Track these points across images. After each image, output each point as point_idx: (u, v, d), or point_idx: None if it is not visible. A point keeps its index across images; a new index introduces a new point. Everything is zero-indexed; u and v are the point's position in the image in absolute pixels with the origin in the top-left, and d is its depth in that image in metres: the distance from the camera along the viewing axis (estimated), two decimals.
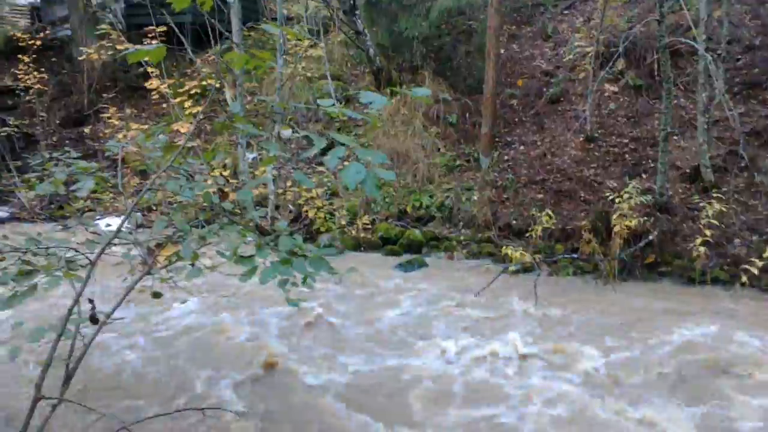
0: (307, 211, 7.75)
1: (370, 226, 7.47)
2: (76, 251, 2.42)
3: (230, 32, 9.30)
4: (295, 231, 7.23)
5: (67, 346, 2.37)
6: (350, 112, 1.87)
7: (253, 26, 11.23)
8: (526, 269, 6.09)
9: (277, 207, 7.93)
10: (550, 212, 6.55)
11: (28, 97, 10.57)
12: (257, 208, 7.05)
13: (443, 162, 8.42)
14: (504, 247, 6.23)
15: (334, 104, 1.95)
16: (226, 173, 8.43)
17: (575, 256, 6.14)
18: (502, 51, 9.27)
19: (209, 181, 3.29)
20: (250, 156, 9.20)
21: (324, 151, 1.91)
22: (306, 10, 12.07)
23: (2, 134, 9.81)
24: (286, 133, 9.84)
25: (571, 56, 9.11)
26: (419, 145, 8.62)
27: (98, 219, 8.42)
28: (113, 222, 8.18)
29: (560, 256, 6.23)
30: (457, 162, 8.43)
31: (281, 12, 8.64)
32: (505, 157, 8.16)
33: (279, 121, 8.41)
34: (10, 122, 10.08)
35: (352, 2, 9.25)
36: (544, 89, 8.91)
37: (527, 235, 6.66)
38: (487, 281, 5.46)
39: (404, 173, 8.19)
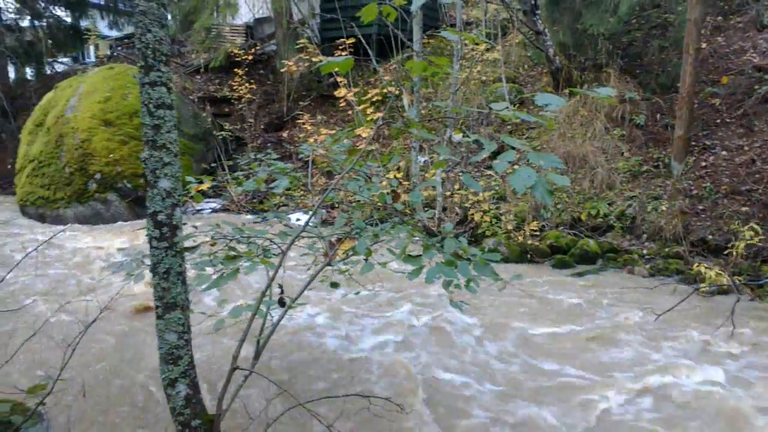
0: (473, 215, 7.77)
1: (538, 233, 7.22)
2: (272, 241, 2.77)
3: (411, 41, 9.74)
4: (460, 234, 7.31)
5: (259, 324, 2.74)
6: (523, 114, 1.85)
7: (433, 33, 11.58)
8: (721, 291, 5.36)
9: (444, 209, 8.08)
10: (756, 227, 5.67)
11: (240, 106, 12.27)
12: (425, 209, 7.28)
13: (627, 167, 7.78)
14: (696, 265, 5.55)
15: (507, 107, 1.95)
16: (399, 176, 8.87)
17: None
18: (703, 45, 8.25)
19: (384, 183, 3.52)
20: (421, 159, 9.52)
21: (495, 155, 1.94)
22: (485, 14, 12.09)
23: (219, 137, 11.53)
24: (457, 137, 10.01)
25: None
26: (599, 148, 8.08)
27: (290, 213, 9.44)
28: (302, 217, 9.13)
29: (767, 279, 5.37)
30: (644, 167, 7.72)
31: (460, 17, 8.78)
32: (703, 163, 7.25)
33: (451, 125, 8.58)
34: (226, 127, 11.81)
35: (533, 2, 9.03)
36: (756, 87, 7.72)
37: (726, 252, 5.85)
38: (672, 302, 4.92)
39: (580, 178, 7.75)
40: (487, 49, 10.55)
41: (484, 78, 10.53)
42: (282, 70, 11.71)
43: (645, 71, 8.61)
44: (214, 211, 9.94)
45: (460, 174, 8.65)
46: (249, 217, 9.66)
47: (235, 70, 12.40)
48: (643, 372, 3.76)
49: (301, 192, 10.01)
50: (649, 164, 7.74)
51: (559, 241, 6.95)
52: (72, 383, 3.15)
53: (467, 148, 9.67)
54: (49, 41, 14.40)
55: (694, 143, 7.50)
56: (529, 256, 6.95)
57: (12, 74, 15.21)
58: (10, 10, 14.38)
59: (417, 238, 3.04)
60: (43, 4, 14.94)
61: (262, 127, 12.42)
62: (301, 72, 11.70)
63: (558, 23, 9.49)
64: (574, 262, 6.65)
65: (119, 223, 8.97)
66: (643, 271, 6.28)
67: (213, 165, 10.92)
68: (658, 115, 8.24)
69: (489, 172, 8.84)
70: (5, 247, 7.31)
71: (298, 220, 8.69)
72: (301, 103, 12.28)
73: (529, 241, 7.07)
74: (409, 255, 2.09)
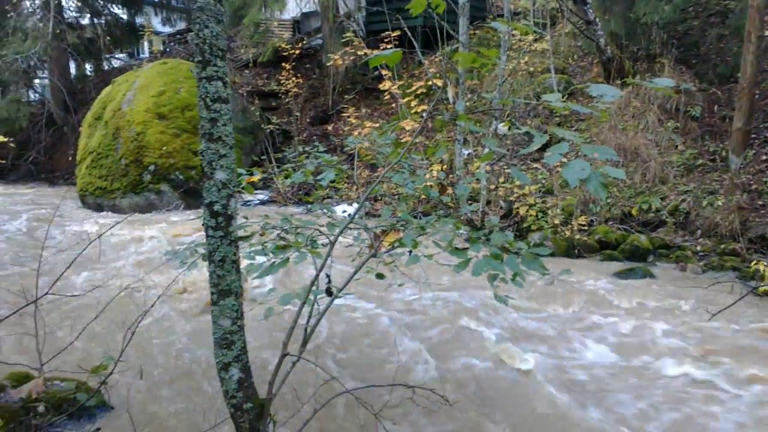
0: (518, 208, 7.67)
1: (586, 228, 7.06)
2: (320, 232, 2.84)
3: (457, 32, 9.64)
4: (505, 228, 7.24)
5: (307, 312, 2.81)
6: (577, 106, 1.82)
7: (480, 25, 11.44)
8: None
9: (488, 203, 8.01)
10: None
11: (287, 100, 12.49)
12: (469, 203, 7.23)
13: (681, 160, 7.50)
14: (754, 263, 5.32)
15: (560, 98, 1.92)
16: (443, 168, 8.84)
17: None
18: (766, 33, 7.83)
19: (427, 176, 3.53)
20: (465, 152, 9.45)
21: (542, 148, 1.92)
22: (533, 4, 11.84)
23: (267, 131, 11.78)
24: (503, 129, 9.88)
25: None
26: (652, 141, 7.82)
27: (335, 205, 9.57)
28: (347, 209, 9.24)
29: None
30: (699, 161, 7.42)
31: (508, 8, 8.64)
32: (763, 157, 6.91)
33: (497, 117, 8.47)
34: (273, 121, 12.05)
35: None
36: None
37: None
38: (727, 301, 4.74)
39: (631, 172, 7.52)
40: (536, 40, 10.35)
41: (531, 69, 10.34)
42: (328, 64, 11.83)
43: (702, 61, 8.26)
44: (262, 202, 10.18)
45: (507, 167, 8.54)
46: (295, 209, 9.86)
47: (283, 64, 12.61)
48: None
49: (345, 184, 10.12)
50: (704, 158, 7.44)
51: (609, 237, 6.78)
52: (131, 365, 3.32)
53: (513, 140, 9.53)
54: (107, 38, 15.04)
55: (754, 136, 7.16)
56: (576, 251, 6.81)
57: (73, 70, 15.96)
58: (72, 8, 15.08)
59: (461, 232, 3.03)
60: (101, 2, 15.60)
61: (307, 120, 12.60)
62: (346, 65, 11.79)
63: (610, 12, 9.21)
64: (623, 257, 6.49)
65: (172, 212, 9.32)
66: (696, 268, 6.06)
67: (261, 158, 11.17)
68: (715, 107, 7.90)
69: (535, 165, 8.70)
70: (68, 235, 7.72)
71: (344, 212, 8.80)
72: (345, 96, 12.37)
73: (577, 236, 6.93)
74: (456, 248, 2.10)
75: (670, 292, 5.30)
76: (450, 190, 4.57)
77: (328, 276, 2.99)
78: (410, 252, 2.77)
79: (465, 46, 8.17)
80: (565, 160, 3.29)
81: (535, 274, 2.10)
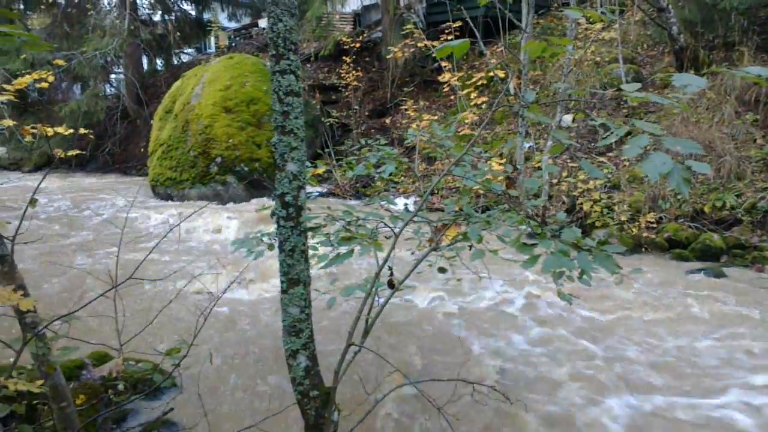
0: (582, 204, 7.44)
1: (655, 225, 6.77)
2: (385, 224, 2.87)
3: (520, 21, 9.42)
4: (568, 224, 7.05)
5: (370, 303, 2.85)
6: (657, 97, 1.74)
7: (545, 12, 11.12)
8: None
9: (549, 197, 7.81)
10: None
11: (346, 93, 12.61)
12: (531, 198, 7.10)
13: (760, 155, 7.04)
14: None
15: (637, 88, 1.84)
16: (502, 161, 8.69)
17: None
18: None
19: (486, 169, 3.48)
20: (526, 145, 9.25)
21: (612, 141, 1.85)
22: None
23: (327, 124, 11.96)
24: (567, 120, 9.58)
25: None
26: (728, 134, 7.38)
27: (393, 198, 9.61)
28: (403, 201, 9.26)
29: None
30: None
31: None
32: None
33: (561, 108, 8.23)
34: (333, 114, 12.21)
35: None
36: None
37: None
38: None
39: None
40: (603, 29, 9.95)
41: (597, 59, 9.96)
42: (388, 57, 11.85)
43: None
44: (321, 194, 10.36)
45: (572, 160, 8.30)
46: (353, 201, 9.97)
47: (343, 57, 12.73)
48: None
49: (404, 177, 10.13)
50: None
51: (678, 235, 6.47)
52: (202, 349, 3.48)
53: (578, 132, 9.24)
54: (177, 34, 15.70)
55: None
56: (643, 249, 6.55)
57: (145, 65, 16.78)
58: (145, 5, 15.83)
59: (524, 227, 2.97)
60: (172, 0, 16.29)
61: (366, 113, 12.68)
62: (405, 58, 11.77)
63: None
64: (694, 257, 6.18)
65: (236, 203, 9.65)
66: None
67: (321, 151, 11.36)
68: None
69: (601, 158, 8.40)
70: (144, 222, 8.15)
71: (405, 205, 8.83)
72: (404, 89, 12.35)
73: (645, 234, 6.66)
74: (524, 243, 2.07)
75: (745, 294, 5.01)
76: (515, 184, 4.50)
77: (390, 268, 3.02)
78: (471, 247, 2.75)
79: (529, 36, 7.97)
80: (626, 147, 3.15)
81: (603, 273, 2.04)
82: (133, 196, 9.60)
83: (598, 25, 9.68)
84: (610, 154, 8.43)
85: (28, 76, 4.00)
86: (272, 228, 3.13)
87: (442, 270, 3.04)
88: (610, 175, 7.81)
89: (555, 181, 8.03)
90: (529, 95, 2.35)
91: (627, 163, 7.89)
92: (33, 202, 1.82)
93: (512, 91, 9.83)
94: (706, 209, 6.70)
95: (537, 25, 11.43)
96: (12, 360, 2.30)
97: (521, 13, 10.09)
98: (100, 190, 11.04)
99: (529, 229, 2.38)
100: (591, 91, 3.70)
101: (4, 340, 1.90)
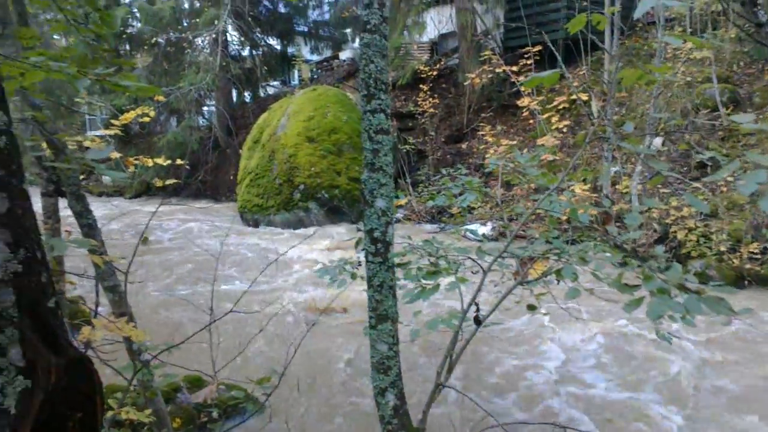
0: (675, 232, 6.99)
1: (759, 256, 6.22)
2: (473, 260, 2.83)
3: (602, 42, 9.14)
4: (668, 259, 6.62)
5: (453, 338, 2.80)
6: None
7: (630, 33, 10.73)
8: None
9: (640, 225, 7.40)
10: None
11: (422, 120, 12.73)
12: (617, 225, 6.74)
13: None
14: None
15: (752, 119, 1.71)
16: (585, 188, 8.36)
17: None
18: None
19: (568, 197, 3.36)
20: (613, 170, 8.87)
21: (701, 165, 1.73)
22: (690, 9, 10.83)
23: (403, 150, 12.09)
24: (657, 143, 9.10)
25: None
26: None
27: (469, 224, 9.50)
28: (481, 227, 9.13)
29: None
30: None
31: (662, 15, 7.99)
32: None
33: (653, 133, 7.85)
34: (409, 141, 12.34)
35: None
36: None
37: None
38: None
39: None
40: (695, 48, 9.45)
41: (689, 78, 9.44)
42: (465, 83, 11.86)
43: None
44: (397, 220, 10.44)
45: (673, 188, 7.85)
46: (429, 226, 9.97)
47: (420, 85, 12.89)
48: None
49: (480, 203, 10.00)
50: None
51: None
52: (289, 377, 3.57)
53: (668, 155, 8.75)
54: (264, 68, 16.60)
55: None
56: (746, 282, 6.03)
57: (234, 97, 17.84)
58: (235, 42, 16.90)
59: (615, 259, 2.81)
60: (260, 36, 17.30)
61: (442, 139, 12.71)
62: (483, 83, 11.74)
63: None
64: None
65: (317, 228, 9.92)
66: None
67: (398, 178, 11.48)
68: None
69: (695, 184, 7.89)
70: (235, 249, 8.54)
71: (483, 234, 8.69)
72: (481, 114, 12.29)
73: (747, 265, 6.14)
74: (625, 284, 1.96)
75: None
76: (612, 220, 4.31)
77: (476, 304, 2.97)
78: (558, 282, 2.64)
79: (615, 58, 7.70)
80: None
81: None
82: (229, 225, 10.10)
83: (689, 45, 9.20)
84: (705, 179, 7.90)
85: (132, 111, 4.37)
86: (352, 254, 3.18)
87: (531, 308, 2.94)
88: (706, 202, 7.31)
89: (645, 208, 7.62)
90: (628, 125, 2.25)
91: (725, 189, 7.35)
92: (145, 240, 1.96)
93: (596, 114, 9.51)
94: None
95: (621, 45, 11.04)
96: (111, 379, 2.47)
97: (603, 34, 9.81)
98: (193, 217, 11.73)
99: (628, 267, 2.25)
100: (697, 120, 3.48)
101: (115, 367, 2.04)
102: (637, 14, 2.01)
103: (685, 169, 8.32)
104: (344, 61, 17.22)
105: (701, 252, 6.59)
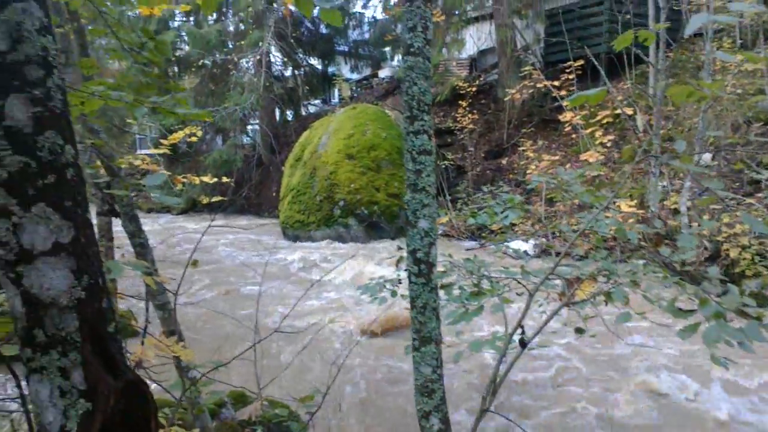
0: (727, 250, 6.69)
1: None
2: (518, 281, 2.78)
3: (646, 55, 8.94)
4: (723, 281, 6.37)
5: (495, 362, 2.75)
6: None
7: (675, 46, 10.47)
8: None
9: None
10: None
11: (461, 135, 12.70)
12: (666, 242, 6.50)
13: None
14: None
15: None
16: (632, 204, 8.13)
17: None
18: None
19: (615, 215, 3.27)
20: (661, 185, 8.60)
21: (755, 182, 1.65)
22: (740, 19, 10.48)
23: (442, 166, 12.07)
24: (706, 158, 8.80)
25: None
26: None
27: (510, 240, 9.36)
28: (521, 245, 8.98)
29: None
30: None
31: (710, 28, 7.76)
32: None
33: (703, 151, 7.59)
34: (448, 157, 12.32)
35: None
36: None
37: None
38: None
39: None
40: (746, 60, 9.12)
41: (740, 91, 9.10)
42: (505, 99, 11.79)
43: None
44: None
45: (725, 205, 7.56)
46: (468, 242, 9.88)
47: (459, 101, 12.88)
48: None
49: (521, 220, 9.86)
50: None
51: None
52: (330, 397, 3.58)
53: (719, 170, 8.43)
54: (306, 87, 16.98)
55: None
56: None
57: (277, 116, 18.28)
58: (278, 63, 17.36)
59: (668, 281, 2.71)
60: (302, 56, 17.72)
61: (481, 155, 12.63)
62: (523, 99, 11.64)
63: None
64: None
65: (356, 244, 9.99)
66: None
67: (438, 195, 11.46)
68: None
69: (748, 200, 7.56)
70: (277, 265, 8.67)
71: (525, 251, 8.53)
72: (522, 129, 12.16)
73: None
74: (680, 309, 1.89)
75: None
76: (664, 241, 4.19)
77: (522, 326, 2.91)
78: (606, 303, 2.56)
79: (661, 72, 7.52)
80: None
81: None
82: (272, 240, 10.22)
83: (739, 56, 8.89)
84: (760, 194, 7.57)
85: (180, 131, 4.53)
86: (391, 272, 3.17)
87: (579, 331, 2.86)
88: (760, 218, 6.98)
89: (695, 225, 7.34)
90: (679, 144, 2.17)
91: None
92: (195, 263, 2.02)
93: (641, 129, 9.26)
94: None
95: (667, 58, 10.76)
96: (158, 394, 2.53)
97: (647, 47, 9.57)
98: (236, 233, 11.99)
99: (680, 290, 2.17)
100: (749, 136, 3.33)
101: (165, 386, 2.09)
102: (687, 32, 1.96)
103: (737, 184, 7.99)
104: (383, 79, 17.41)
105: (757, 271, 6.29)
